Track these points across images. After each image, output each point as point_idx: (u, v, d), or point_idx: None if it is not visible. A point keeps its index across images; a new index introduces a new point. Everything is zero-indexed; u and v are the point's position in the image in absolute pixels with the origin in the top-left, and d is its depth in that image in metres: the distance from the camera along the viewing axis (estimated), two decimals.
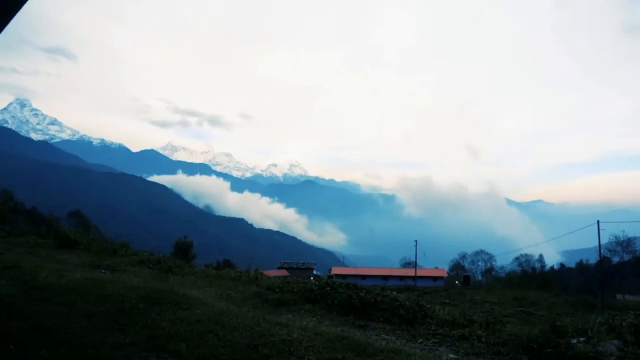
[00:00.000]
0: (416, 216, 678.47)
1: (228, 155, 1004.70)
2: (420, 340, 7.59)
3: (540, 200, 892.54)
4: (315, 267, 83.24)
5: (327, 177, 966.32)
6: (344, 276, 66.23)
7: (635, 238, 64.64)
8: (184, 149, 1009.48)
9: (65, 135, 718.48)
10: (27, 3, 5.85)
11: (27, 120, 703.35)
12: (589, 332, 8.13)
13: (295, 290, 10.93)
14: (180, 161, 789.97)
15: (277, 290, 11.31)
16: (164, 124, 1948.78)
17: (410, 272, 71.15)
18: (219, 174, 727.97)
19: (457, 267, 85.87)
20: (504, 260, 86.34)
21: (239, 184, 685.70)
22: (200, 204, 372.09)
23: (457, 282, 72.49)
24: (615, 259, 67.42)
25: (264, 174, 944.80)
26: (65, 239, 19.47)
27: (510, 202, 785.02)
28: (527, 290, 50.41)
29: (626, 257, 65.75)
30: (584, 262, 78.84)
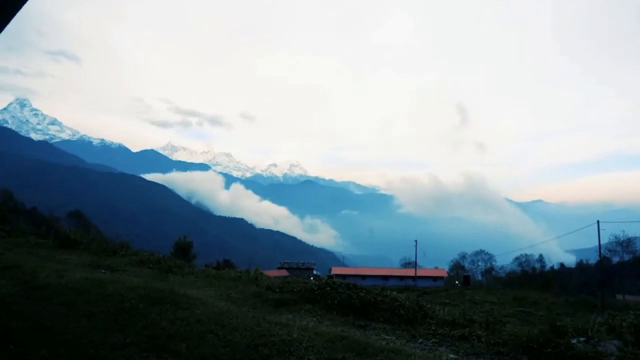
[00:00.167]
0: (416, 216, 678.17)
1: (228, 155, 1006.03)
2: (420, 340, 7.60)
3: (540, 200, 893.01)
4: (315, 267, 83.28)
5: (327, 177, 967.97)
6: (344, 276, 66.24)
7: (635, 238, 64.61)
8: (184, 149, 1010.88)
9: (65, 135, 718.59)
10: (27, 3, 5.85)
11: (27, 120, 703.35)
12: (589, 332, 8.13)
13: (295, 290, 10.94)
14: (180, 161, 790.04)
15: (277, 290, 11.32)
16: (164, 124, 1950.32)
17: (410, 272, 71.16)
18: (219, 174, 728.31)
19: (457, 267, 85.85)
20: (504, 260, 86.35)
21: (238, 184, 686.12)
22: (193, 201, 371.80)
23: (457, 282, 72.50)
24: (615, 259, 67.41)
25: (264, 174, 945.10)
26: (65, 239, 19.51)
27: (510, 202, 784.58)
28: (527, 290, 50.42)
29: (626, 257, 65.75)
30: (584, 262, 78.87)
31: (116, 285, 9.49)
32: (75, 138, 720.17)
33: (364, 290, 10.29)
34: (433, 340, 7.63)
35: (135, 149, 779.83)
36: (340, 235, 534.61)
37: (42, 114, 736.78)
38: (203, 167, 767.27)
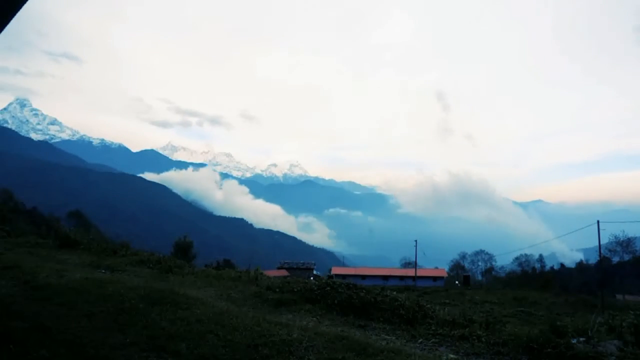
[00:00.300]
0: (416, 216, 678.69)
1: (228, 155, 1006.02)
2: (420, 340, 7.60)
3: (540, 200, 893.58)
4: (315, 267, 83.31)
5: (327, 177, 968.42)
6: (344, 276, 66.25)
7: (635, 238, 64.62)
8: (184, 149, 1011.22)
9: (65, 135, 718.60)
10: (28, 3, 5.85)
11: (27, 120, 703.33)
12: (589, 332, 8.13)
13: (295, 290, 10.94)
14: (180, 161, 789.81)
15: (277, 290, 11.32)
16: (164, 124, 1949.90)
17: (410, 272, 71.17)
18: (219, 174, 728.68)
19: (457, 267, 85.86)
20: (504, 260, 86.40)
21: (239, 184, 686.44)
22: (193, 201, 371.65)
23: (457, 282, 72.52)
24: (615, 259, 67.41)
25: (264, 174, 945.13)
26: (65, 239, 19.49)
27: (510, 202, 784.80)
28: (527, 290, 50.42)
29: (626, 257, 65.76)
30: (584, 262, 78.88)
31: (116, 285, 9.48)
32: (75, 138, 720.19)
33: (364, 290, 10.28)
34: (433, 340, 7.63)
35: (135, 149, 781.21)
36: (340, 235, 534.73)
37: (42, 114, 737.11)
38: (203, 167, 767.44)
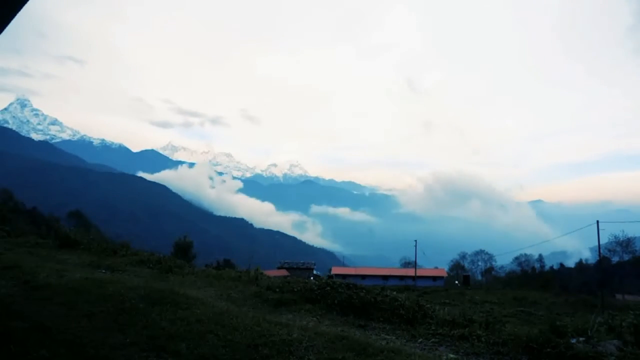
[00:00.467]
0: (416, 216, 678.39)
1: (228, 155, 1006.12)
2: (420, 340, 7.59)
3: (540, 200, 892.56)
4: (315, 267, 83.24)
5: (327, 177, 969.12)
6: (344, 276, 66.26)
7: (635, 238, 64.61)
8: (184, 149, 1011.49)
9: (65, 136, 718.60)
10: (28, 4, 5.85)
11: (28, 121, 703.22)
12: (589, 332, 8.12)
13: (295, 290, 10.93)
14: (180, 161, 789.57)
15: (277, 290, 11.31)
16: (164, 125, 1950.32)
17: (410, 272, 71.16)
18: (218, 174, 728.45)
19: (457, 267, 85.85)
20: (503, 260, 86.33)
21: (238, 184, 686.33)
22: (193, 201, 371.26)
23: (457, 282, 72.52)
24: (615, 259, 67.38)
25: (264, 174, 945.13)
26: (65, 239, 19.45)
27: (510, 202, 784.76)
28: (527, 290, 50.44)
29: (626, 257, 65.71)
30: (584, 262, 78.80)
31: (116, 285, 9.48)
32: (75, 138, 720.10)
33: (364, 290, 10.27)
34: (433, 340, 7.63)
35: (135, 149, 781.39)
36: (340, 235, 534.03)
37: (43, 114, 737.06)
38: (203, 167, 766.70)
